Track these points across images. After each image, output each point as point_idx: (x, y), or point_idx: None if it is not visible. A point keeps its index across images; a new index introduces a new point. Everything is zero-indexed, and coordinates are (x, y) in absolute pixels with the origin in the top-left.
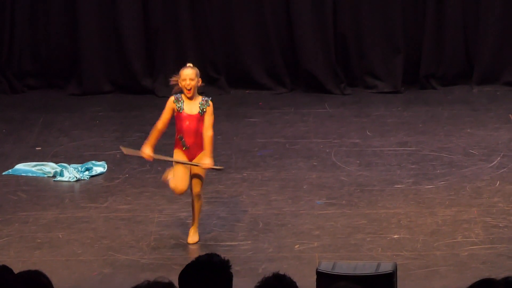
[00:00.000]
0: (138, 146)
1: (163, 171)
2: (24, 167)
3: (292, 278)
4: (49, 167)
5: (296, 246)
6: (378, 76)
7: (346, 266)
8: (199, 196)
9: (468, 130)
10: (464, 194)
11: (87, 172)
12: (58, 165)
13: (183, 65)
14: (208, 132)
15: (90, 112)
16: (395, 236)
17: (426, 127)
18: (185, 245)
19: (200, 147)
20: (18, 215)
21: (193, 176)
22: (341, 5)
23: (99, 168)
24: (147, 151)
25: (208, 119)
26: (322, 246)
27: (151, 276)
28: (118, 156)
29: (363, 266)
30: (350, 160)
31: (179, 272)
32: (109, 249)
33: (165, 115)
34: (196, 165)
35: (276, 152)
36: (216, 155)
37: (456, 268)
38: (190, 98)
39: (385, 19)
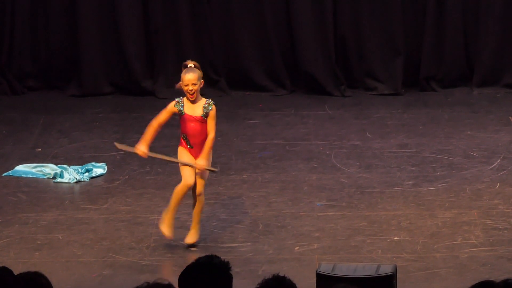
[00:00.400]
0: None
1: (163, 172)
2: (24, 169)
3: (292, 280)
4: (49, 169)
5: (296, 248)
6: (378, 78)
7: (346, 268)
8: (201, 195)
9: (468, 132)
10: (464, 196)
11: (87, 174)
12: (58, 167)
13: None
14: (210, 134)
15: (90, 114)
16: (395, 238)
17: (426, 129)
18: (185, 247)
19: (203, 147)
20: (18, 216)
21: (197, 175)
22: (341, 7)
23: (99, 169)
24: (142, 148)
25: (211, 122)
26: (322, 248)
27: (151, 278)
28: (118, 157)
29: (363, 268)
30: (350, 162)
31: (179, 273)
32: (109, 250)
33: (162, 116)
34: (190, 166)
35: (276, 153)
36: (216, 157)
37: (456, 270)
38: (193, 102)
39: (385, 21)
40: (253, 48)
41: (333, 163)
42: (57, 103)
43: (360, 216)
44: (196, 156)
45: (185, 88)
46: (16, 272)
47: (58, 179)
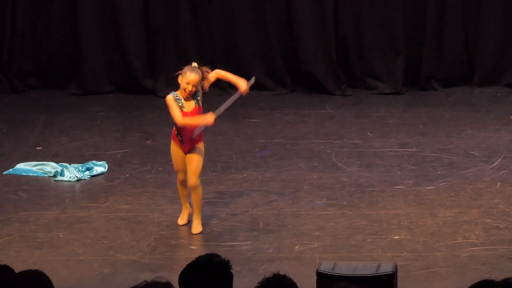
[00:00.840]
0: (140, 147)
1: (164, 171)
2: (24, 167)
3: (292, 278)
4: (50, 167)
5: (297, 247)
6: (379, 77)
7: (347, 267)
8: (195, 188)
9: (469, 132)
10: (465, 195)
11: (87, 172)
12: (59, 165)
13: (183, 66)
14: (216, 72)
15: (91, 112)
16: (395, 237)
17: (427, 128)
18: (186, 246)
19: (195, 141)
20: (18, 214)
21: (188, 166)
22: (341, 6)
23: (99, 168)
24: (208, 116)
25: (210, 75)
26: (322, 247)
27: (151, 276)
28: (118, 156)
29: (363, 267)
30: (350, 161)
31: (179, 272)
32: (109, 249)
33: (178, 110)
34: (241, 95)
35: (277, 152)
36: (217, 156)
37: (456, 269)
38: (186, 99)
39: (386, 20)
40: (253, 47)
41: (333, 162)
42: (57, 102)
43: (361, 215)
44: (186, 150)
45: (185, 85)
46: (16, 271)
47: (59, 178)
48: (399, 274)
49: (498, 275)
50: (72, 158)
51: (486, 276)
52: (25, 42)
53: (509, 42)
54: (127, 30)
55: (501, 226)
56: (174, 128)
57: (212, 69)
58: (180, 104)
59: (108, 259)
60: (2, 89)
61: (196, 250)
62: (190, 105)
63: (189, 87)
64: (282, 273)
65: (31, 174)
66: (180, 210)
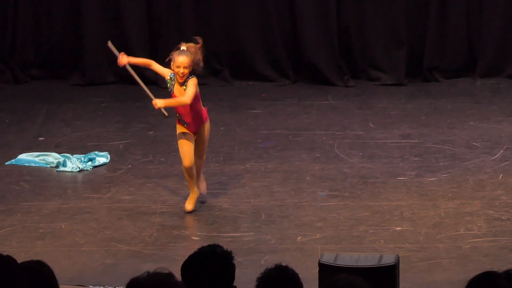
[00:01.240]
0: (142, 138)
1: (166, 162)
2: (27, 157)
3: (294, 269)
4: (52, 158)
5: (299, 238)
6: (381, 69)
7: (349, 258)
8: (199, 168)
9: (471, 123)
10: (467, 186)
11: (90, 163)
12: (61, 156)
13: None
14: (183, 97)
15: (93, 103)
16: (397, 229)
17: (429, 119)
18: (188, 236)
19: (200, 120)
20: (20, 205)
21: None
22: None
23: (102, 158)
24: (125, 58)
25: (188, 89)
26: (324, 238)
27: (153, 267)
28: (121, 147)
29: (365, 258)
30: (353, 152)
31: (181, 263)
32: (111, 239)
33: (158, 69)
34: (150, 96)
35: (279, 143)
36: (219, 147)
37: (458, 260)
38: (182, 84)
39: (389, 12)
40: (256, 38)
41: (336, 153)
42: (60, 92)
43: (363, 206)
44: (193, 131)
45: (177, 69)
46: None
47: (61, 168)
48: (401, 265)
49: (500, 267)
50: (75, 148)
51: (488, 267)
52: (27, 32)
53: (511, 33)
54: (129, 20)
55: (503, 218)
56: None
57: (215, 59)
58: (171, 84)
59: (110, 249)
60: (4, 79)
61: (198, 241)
62: (181, 89)
63: (181, 70)
64: (284, 264)
65: (33, 165)
66: (183, 200)
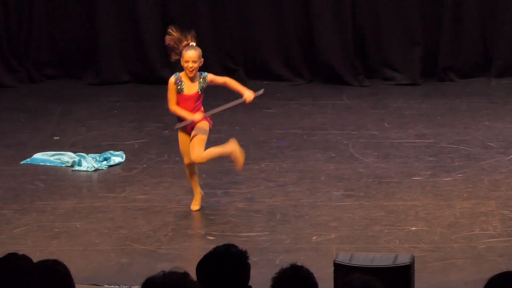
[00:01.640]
0: (157, 137)
1: (181, 161)
2: (42, 157)
3: (309, 269)
4: (67, 157)
5: (314, 238)
6: (396, 68)
7: (364, 258)
8: (200, 161)
9: (486, 123)
10: (482, 186)
11: (105, 162)
12: (76, 155)
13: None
14: (225, 78)
15: (108, 102)
16: (412, 228)
17: (444, 119)
18: (203, 236)
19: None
20: (35, 204)
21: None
22: None
23: (117, 158)
24: (197, 115)
25: (217, 78)
26: (339, 238)
27: (168, 267)
28: (136, 146)
29: (380, 258)
30: (367, 152)
31: (196, 262)
32: (126, 239)
33: (174, 96)
34: (243, 102)
35: (294, 143)
36: None
37: (473, 260)
38: (192, 79)
39: (404, 11)
40: (271, 38)
41: (350, 153)
42: (75, 92)
43: (378, 206)
44: (190, 131)
45: (185, 64)
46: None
47: (76, 167)
48: (416, 265)
49: None
50: (90, 148)
51: (503, 267)
52: (42, 31)
53: None
54: (144, 20)
55: None
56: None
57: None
58: (180, 87)
59: (125, 249)
60: (19, 78)
61: (213, 240)
62: (193, 88)
63: (190, 64)
64: (299, 263)
65: (48, 164)
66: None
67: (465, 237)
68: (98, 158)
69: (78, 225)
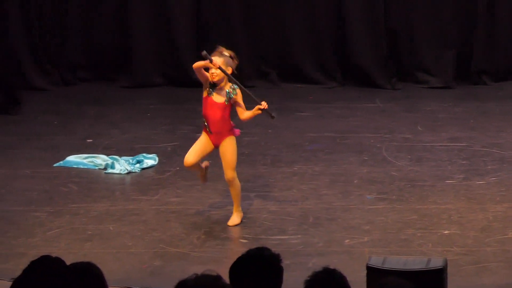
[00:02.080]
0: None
1: (214, 164)
2: (75, 159)
3: (342, 272)
4: (100, 159)
5: (346, 241)
6: (429, 71)
7: (396, 261)
8: (230, 182)
9: None
10: None
11: (138, 165)
12: (109, 158)
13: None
14: (245, 112)
15: (141, 105)
16: (445, 232)
17: (477, 122)
18: (236, 239)
19: (223, 135)
20: (69, 207)
21: (222, 161)
22: (392, 0)
23: (150, 160)
24: (217, 58)
25: (241, 102)
26: (372, 241)
27: (201, 269)
28: (169, 149)
29: (413, 261)
30: (400, 155)
31: (229, 265)
32: (159, 241)
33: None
34: (259, 104)
35: (327, 146)
36: (266, 149)
37: (506, 264)
38: (217, 87)
39: (437, 14)
40: (304, 41)
41: (383, 156)
42: (108, 94)
43: (411, 210)
44: (216, 143)
45: (210, 71)
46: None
47: (109, 170)
48: (449, 269)
49: None
50: (123, 150)
51: None
52: (76, 35)
53: None
54: (178, 23)
55: None
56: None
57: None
58: (211, 89)
59: (158, 251)
60: (53, 81)
61: (246, 243)
62: (219, 98)
63: (213, 70)
64: (332, 267)
65: (81, 167)
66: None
67: (498, 241)
68: (131, 160)
69: (111, 228)
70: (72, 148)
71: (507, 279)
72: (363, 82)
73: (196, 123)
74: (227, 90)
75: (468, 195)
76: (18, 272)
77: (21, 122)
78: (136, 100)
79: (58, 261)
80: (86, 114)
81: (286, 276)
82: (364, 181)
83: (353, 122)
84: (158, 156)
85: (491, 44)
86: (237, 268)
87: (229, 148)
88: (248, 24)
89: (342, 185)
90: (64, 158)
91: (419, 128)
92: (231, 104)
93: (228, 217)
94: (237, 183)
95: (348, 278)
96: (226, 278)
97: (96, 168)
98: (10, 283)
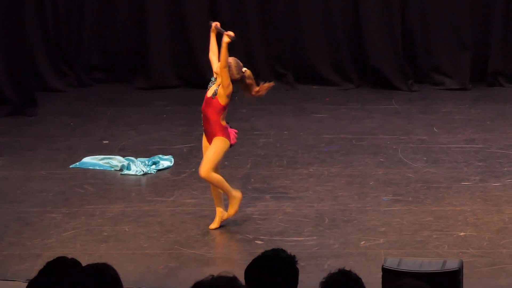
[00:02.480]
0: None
1: (230, 165)
2: (91, 160)
3: (357, 274)
4: (116, 161)
5: (362, 243)
6: (445, 73)
7: (412, 263)
8: (204, 178)
9: None
10: None
11: (154, 166)
12: (125, 159)
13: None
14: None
15: (157, 106)
16: (461, 234)
17: (494, 124)
18: (251, 240)
19: (211, 133)
20: (84, 208)
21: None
22: (408, 1)
23: (166, 162)
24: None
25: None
26: (388, 243)
27: (216, 271)
28: (185, 150)
29: (429, 263)
30: (416, 156)
31: (245, 266)
32: (175, 243)
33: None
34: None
35: (343, 148)
36: (282, 151)
37: None
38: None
39: (453, 16)
40: (320, 42)
41: (399, 157)
42: (124, 96)
43: (427, 211)
44: (209, 141)
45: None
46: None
47: (125, 171)
48: (464, 270)
49: None
50: (139, 152)
51: None
52: (92, 36)
53: None
54: (193, 24)
55: None
56: None
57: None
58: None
59: (174, 253)
60: (69, 83)
61: (261, 245)
62: (210, 90)
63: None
64: (347, 268)
65: (97, 168)
66: (247, 203)
67: None
68: (147, 162)
69: (127, 229)
70: (88, 149)
71: None
72: (380, 83)
73: None
74: (216, 88)
75: (484, 197)
76: (33, 273)
77: (37, 124)
78: (152, 102)
79: (74, 262)
80: (102, 115)
81: (301, 277)
82: (380, 183)
83: (369, 123)
84: (174, 157)
85: (508, 46)
86: (252, 269)
87: (213, 146)
88: (264, 26)
89: (358, 186)
90: (80, 159)
91: (435, 130)
92: (224, 107)
93: (243, 219)
94: (214, 176)
95: (363, 280)
96: (242, 279)
97: (112, 169)
98: (25, 284)
